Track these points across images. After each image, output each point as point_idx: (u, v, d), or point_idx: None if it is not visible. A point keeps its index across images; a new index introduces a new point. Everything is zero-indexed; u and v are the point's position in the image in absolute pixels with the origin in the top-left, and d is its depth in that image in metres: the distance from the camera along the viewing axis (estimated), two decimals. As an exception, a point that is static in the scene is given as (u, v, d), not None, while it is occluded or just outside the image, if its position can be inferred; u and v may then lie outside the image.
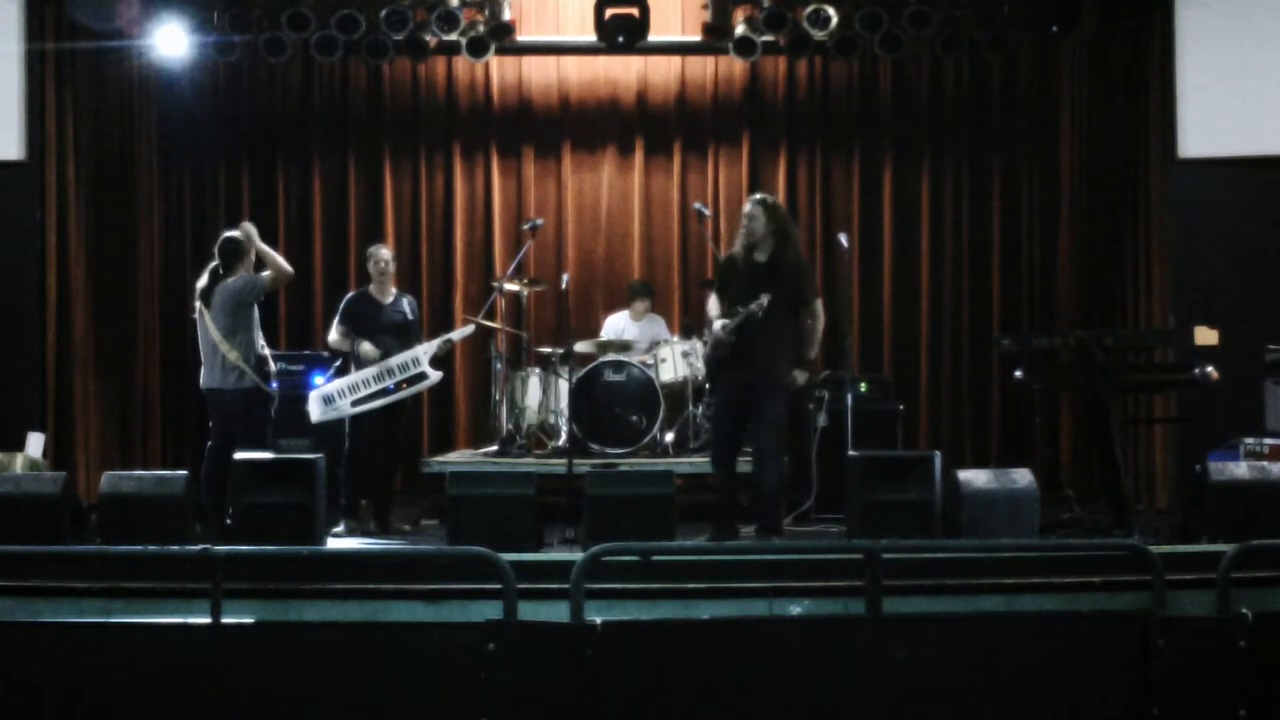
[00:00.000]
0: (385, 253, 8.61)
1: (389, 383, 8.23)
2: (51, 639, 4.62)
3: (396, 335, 8.41)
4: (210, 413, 8.13)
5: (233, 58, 10.17)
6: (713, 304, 7.76)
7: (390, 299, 8.52)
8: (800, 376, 7.68)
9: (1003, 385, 10.57)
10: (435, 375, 8.41)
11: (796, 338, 7.58)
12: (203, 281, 8.07)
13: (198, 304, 8.02)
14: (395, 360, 8.26)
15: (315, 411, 8.31)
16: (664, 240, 11.20)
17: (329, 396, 8.28)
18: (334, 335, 8.53)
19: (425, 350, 8.34)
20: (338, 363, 8.99)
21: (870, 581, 4.69)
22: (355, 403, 8.22)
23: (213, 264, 8.06)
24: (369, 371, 8.23)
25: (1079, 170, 10.69)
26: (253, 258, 8.07)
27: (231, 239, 8.09)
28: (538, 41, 10.99)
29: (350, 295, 8.70)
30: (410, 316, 8.58)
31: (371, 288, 8.55)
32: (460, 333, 8.98)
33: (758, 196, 7.83)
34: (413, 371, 8.27)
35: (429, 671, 4.42)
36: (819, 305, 7.68)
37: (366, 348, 8.26)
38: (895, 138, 11.19)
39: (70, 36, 9.53)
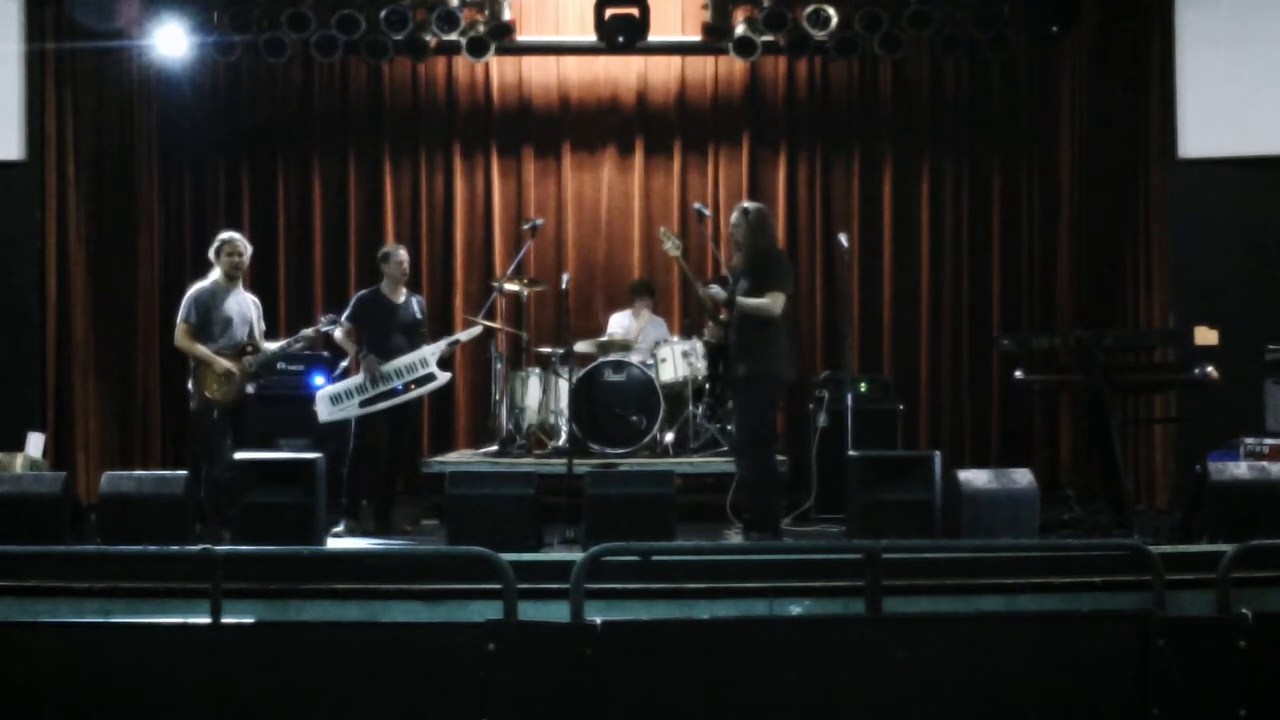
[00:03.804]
0: (404, 254, 8.61)
1: (397, 384, 8.24)
2: (51, 639, 4.60)
3: (408, 335, 8.44)
4: None
5: (233, 58, 10.18)
6: None
7: (402, 299, 8.52)
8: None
9: (1003, 385, 10.58)
10: (443, 376, 8.44)
11: (770, 338, 7.51)
12: None
13: None
14: (403, 361, 8.28)
15: (323, 411, 8.35)
16: (664, 240, 11.21)
17: (336, 396, 8.31)
18: (339, 331, 8.43)
19: (433, 351, 8.37)
20: (344, 363, 8.95)
21: (870, 581, 4.68)
22: (363, 403, 8.24)
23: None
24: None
25: (1079, 170, 10.69)
26: (237, 259, 8.00)
27: (216, 241, 8.12)
28: (538, 41, 10.99)
29: (363, 294, 8.61)
30: (419, 316, 8.60)
31: (384, 287, 8.51)
32: (467, 333, 9.03)
33: (741, 204, 7.99)
34: (420, 373, 8.29)
35: (429, 671, 4.41)
36: (774, 298, 7.45)
37: (373, 361, 8.24)
38: (895, 138, 11.19)
39: (70, 36, 9.54)
